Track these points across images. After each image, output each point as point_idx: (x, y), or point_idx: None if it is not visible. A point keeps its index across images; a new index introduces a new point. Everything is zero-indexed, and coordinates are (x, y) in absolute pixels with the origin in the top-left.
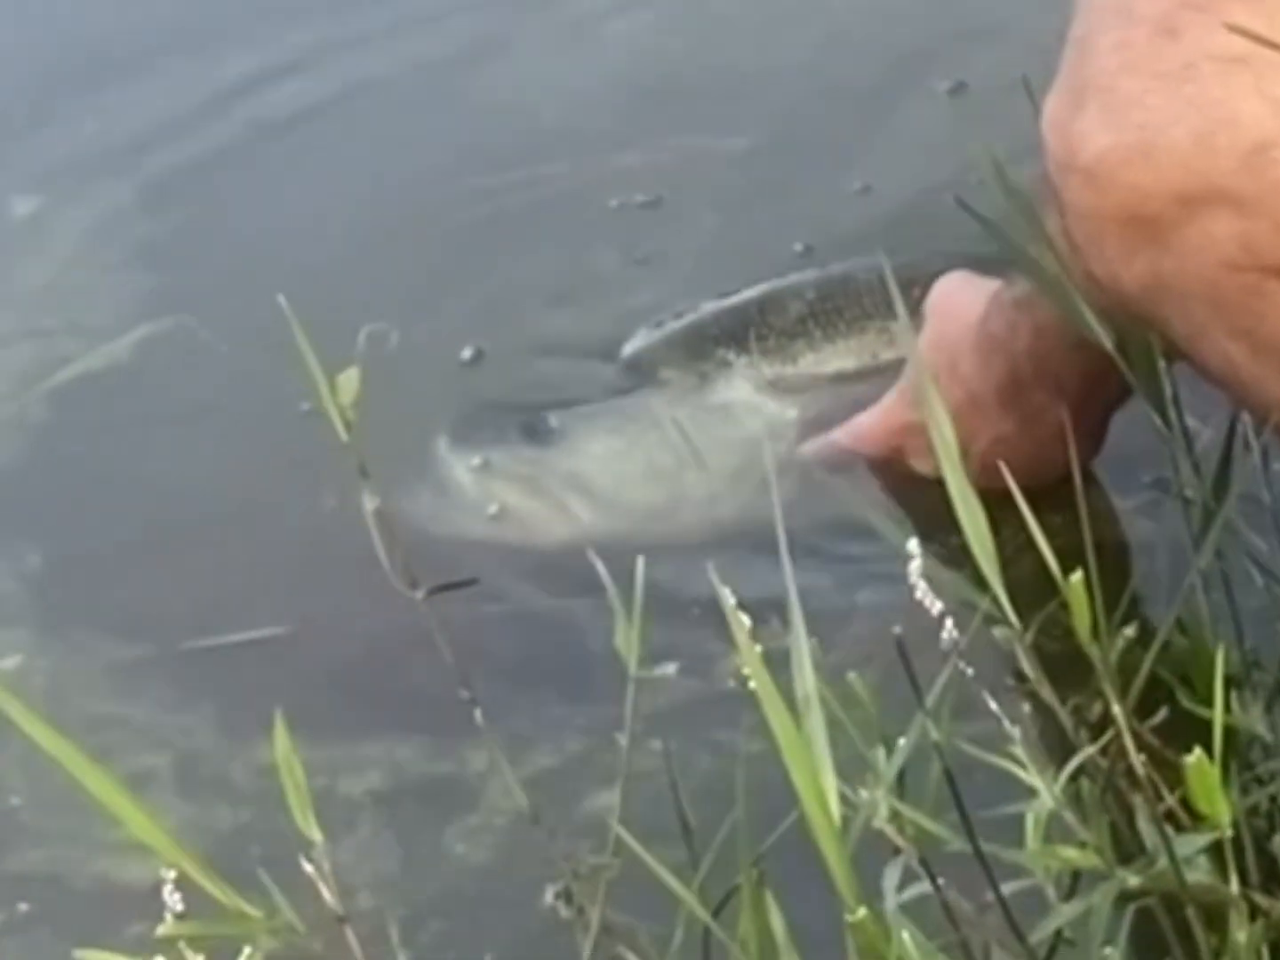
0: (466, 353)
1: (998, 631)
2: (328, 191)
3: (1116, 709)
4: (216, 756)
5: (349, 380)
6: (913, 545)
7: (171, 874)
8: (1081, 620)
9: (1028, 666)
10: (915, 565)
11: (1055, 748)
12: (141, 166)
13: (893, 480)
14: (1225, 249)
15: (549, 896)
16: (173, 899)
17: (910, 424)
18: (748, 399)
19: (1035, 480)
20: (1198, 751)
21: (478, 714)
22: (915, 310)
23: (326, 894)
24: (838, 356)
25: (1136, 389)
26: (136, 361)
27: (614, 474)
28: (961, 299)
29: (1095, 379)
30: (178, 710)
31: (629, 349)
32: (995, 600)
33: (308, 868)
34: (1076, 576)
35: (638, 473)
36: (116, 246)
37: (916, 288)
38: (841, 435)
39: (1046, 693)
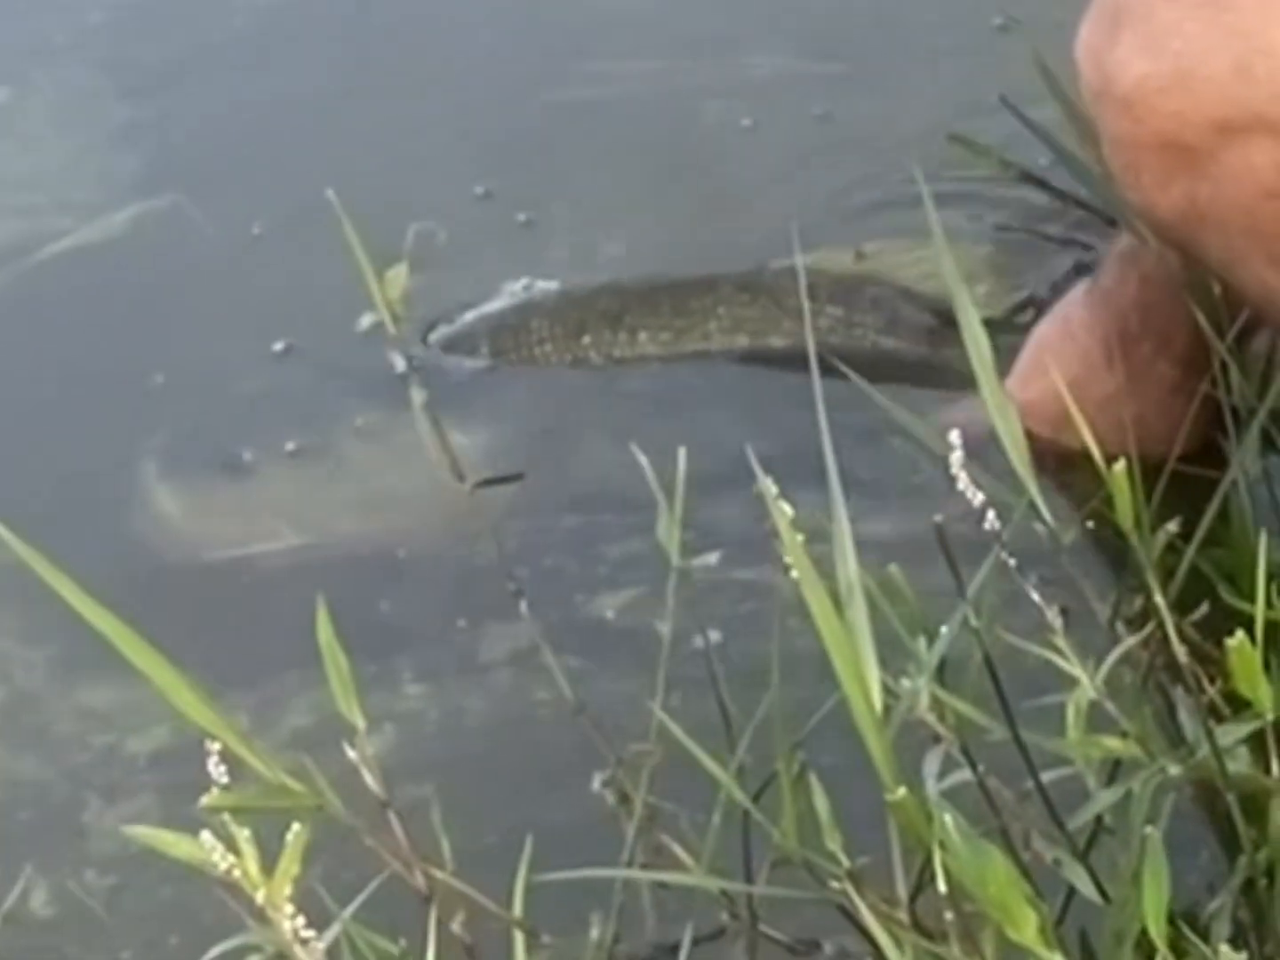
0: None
1: (1040, 527)
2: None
3: (1159, 599)
4: None
5: (398, 276)
6: (954, 437)
7: (216, 746)
8: (1125, 510)
9: (1068, 561)
10: (957, 457)
11: (1096, 638)
12: (111, 52)
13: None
14: (1263, 176)
15: (596, 784)
16: (218, 771)
17: (1030, 398)
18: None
19: (1142, 445)
20: (1240, 634)
21: (523, 605)
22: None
23: (369, 779)
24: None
25: (1189, 299)
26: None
27: (313, 503)
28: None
29: (1201, 332)
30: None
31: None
32: (1032, 501)
33: (351, 754)
34: (1120, 466)
35: (334, 502)
36: (94, 129)
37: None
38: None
39: (1088, 586)
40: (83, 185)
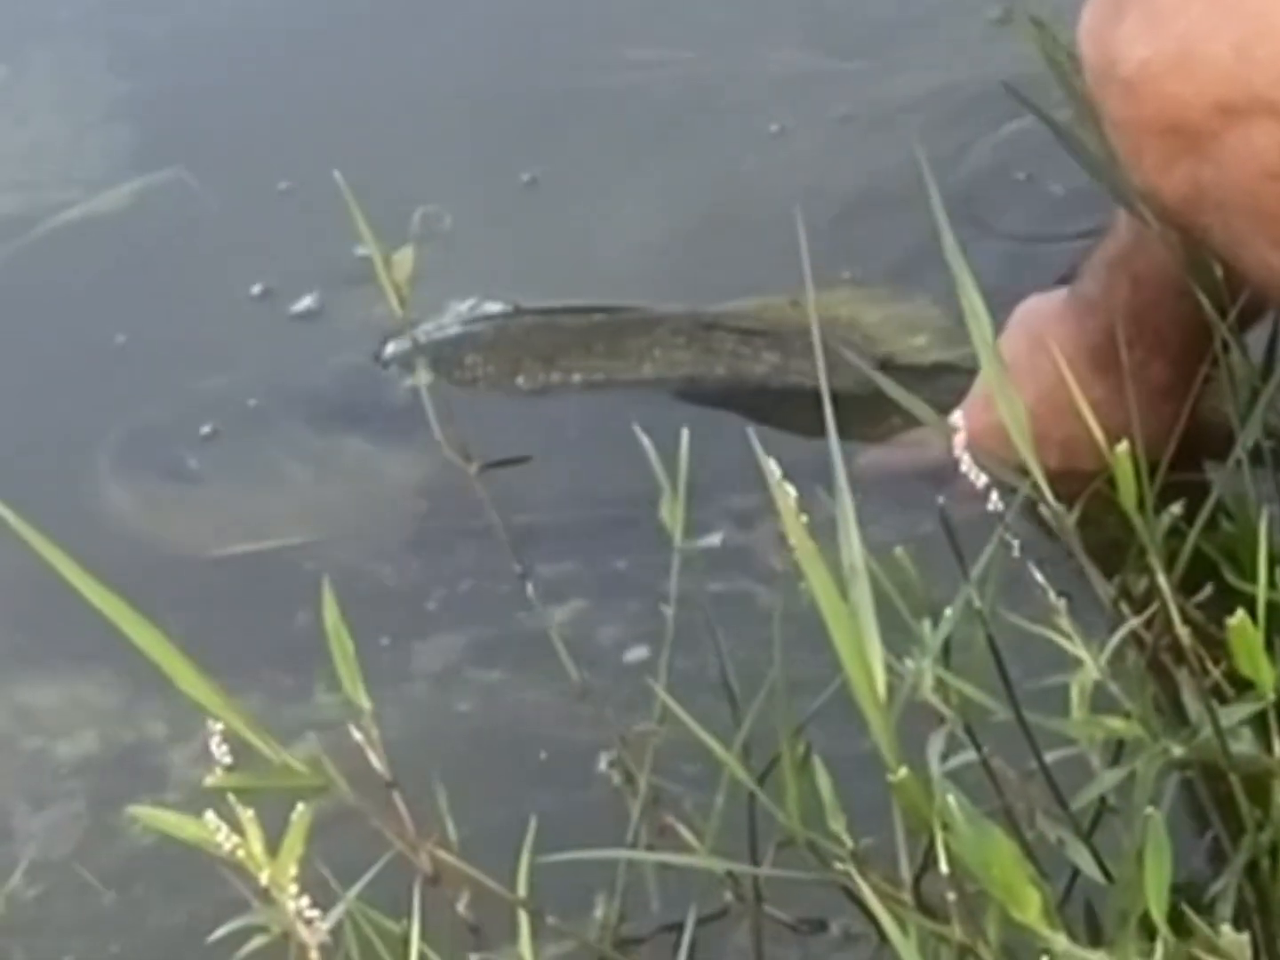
0: None
1: (1044, 509)
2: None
3: (1162, 580)
4: None
5: (404, 258)
6: (956, 418)
7: (219, 727)
8: (1128, 490)
9: (1073, 543)
10: (960, 439)
11: (1099, 625)
12: (110, 26)
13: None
14: (1266, 158)
15: (601, 764)
16: (220, 751)
17: (986, 425)
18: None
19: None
20: (1240, 614)
21: (529, 587)
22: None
23: (374, 760)
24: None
25: (1190, 279)
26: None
27: (256, 504)
28: (1042, 301)
29: (1196, 331)
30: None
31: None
32: (1035, 483)
33: (356, 735)
34: (1123, 447)
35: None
36: (93, 104)
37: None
38: (908, 446)
39: (1090, 569)
40: (84, 160)
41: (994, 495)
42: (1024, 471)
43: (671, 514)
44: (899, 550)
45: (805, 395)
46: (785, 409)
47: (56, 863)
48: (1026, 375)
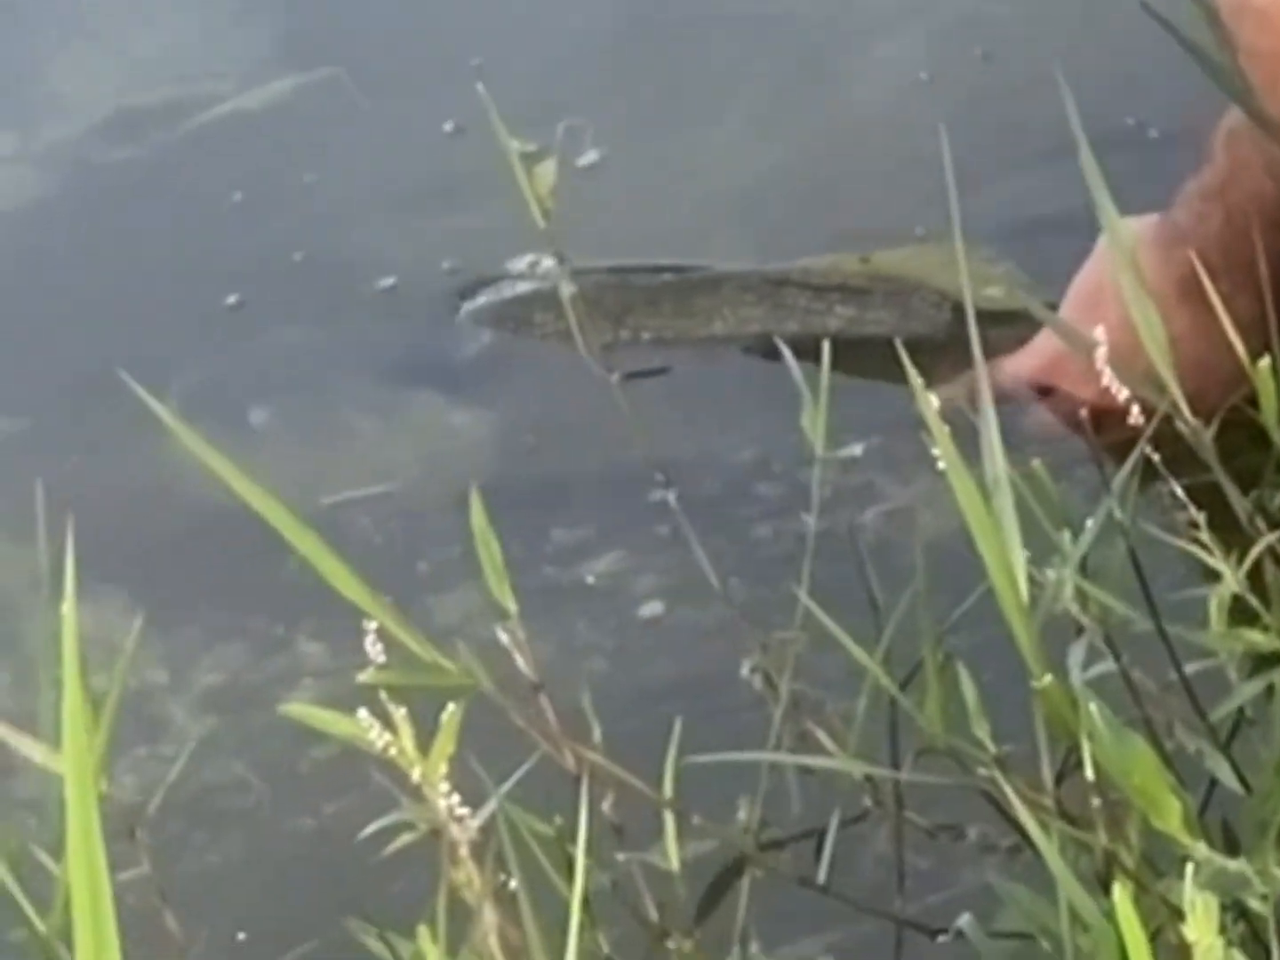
0: None
1: (1181, 425)
2: None
3: None
4: None
5: (546, 170)
6: (1099, 333)
7: (373, 625)
8: (1270, 404)
9: (1210, 458)
10: (1102, 352)
11: (1236, 540)
12: None
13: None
14: None
15: (744, 670)
16: (375, 650)
17: (1060, 355)
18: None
19: (1199, 387)
20: None
21: (670, 496)
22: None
23: (521, 663)
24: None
25: None
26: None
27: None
28: (1129, 225)
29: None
30: None
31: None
32: (1173, 400)
33: (503, 637)
34: (1265, 362)
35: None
36: (222, 5)
37: None
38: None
39: (1227, 483)
40: (222, 57)
41: (1135, 410)
42: (1161, 389)
43: (813, 423)
44: (1037, 463)
45: (881, 345)
46: (862, 358)
47: None
48: (1113, 301)
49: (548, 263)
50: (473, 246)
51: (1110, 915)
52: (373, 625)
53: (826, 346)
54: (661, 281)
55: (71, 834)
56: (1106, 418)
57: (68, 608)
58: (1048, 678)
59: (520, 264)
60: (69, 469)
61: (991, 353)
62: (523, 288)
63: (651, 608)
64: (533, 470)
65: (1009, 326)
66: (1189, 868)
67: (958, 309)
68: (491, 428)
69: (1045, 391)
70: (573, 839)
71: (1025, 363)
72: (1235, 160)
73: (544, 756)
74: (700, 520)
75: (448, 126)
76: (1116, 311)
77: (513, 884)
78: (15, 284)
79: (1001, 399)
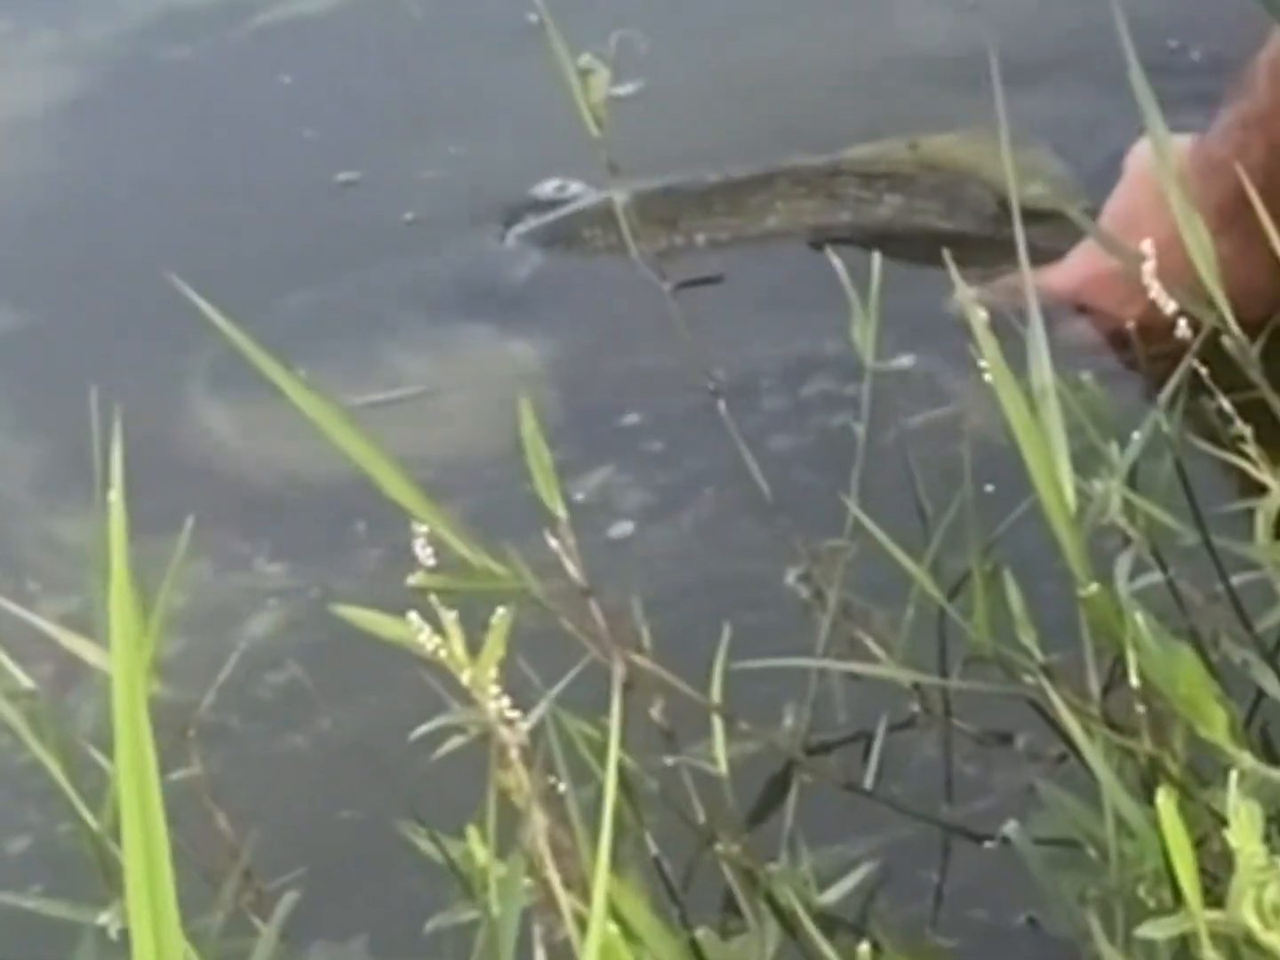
0: None
1: (1227, 341)
2: None
3: None
4: None
5: (600, 80)
6: (1147, 246)
7: (423, 530)
8: None
9: (1255, 373)
10: (1148, 266)
11: None
12: None
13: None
14: None
15: (789, 578)
16: (424, 553)
17: (1098, 273)
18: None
19: (1244, 311)
20: None
21: (721, 404)
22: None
23: (571, 568)
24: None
25: None
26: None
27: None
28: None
29: None
30: None
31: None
32: (1221, 315)
33: (553, 543)
34: None
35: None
36: None
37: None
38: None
39: (1272, 396)
40: None
41: (1182, 324)
42: (1210, 304)
43: (863, 334)
44: (1086, 375)
45: (929, 236)
46: (913, 247)
47: None
48: (1150, 227)
49: (575, 186)
50: (494, 173)
51: (1155, 822)
52: (422, 529)
53: (877, 256)
54: (711, 184)
55: (120, 729)
56: (1146, 337)
57: (115, 496)
58: (1094, 586)
59: (547, 188)
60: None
61: (1033, 251)
62: (568, 208)
63: (695, 514)
64: (594, 386)
65: (1051, 225)
66: (1233, 776)
67: (1004, 204)
68: (551, 350)
69: (1082, 310)
70: (620, 743)
71: (1062, 280)
72: (1278, 91)
73: (593, 662)
74: (751, 426)
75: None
76: (1155, 232)
77: (561, 787)
78: (42, 185)
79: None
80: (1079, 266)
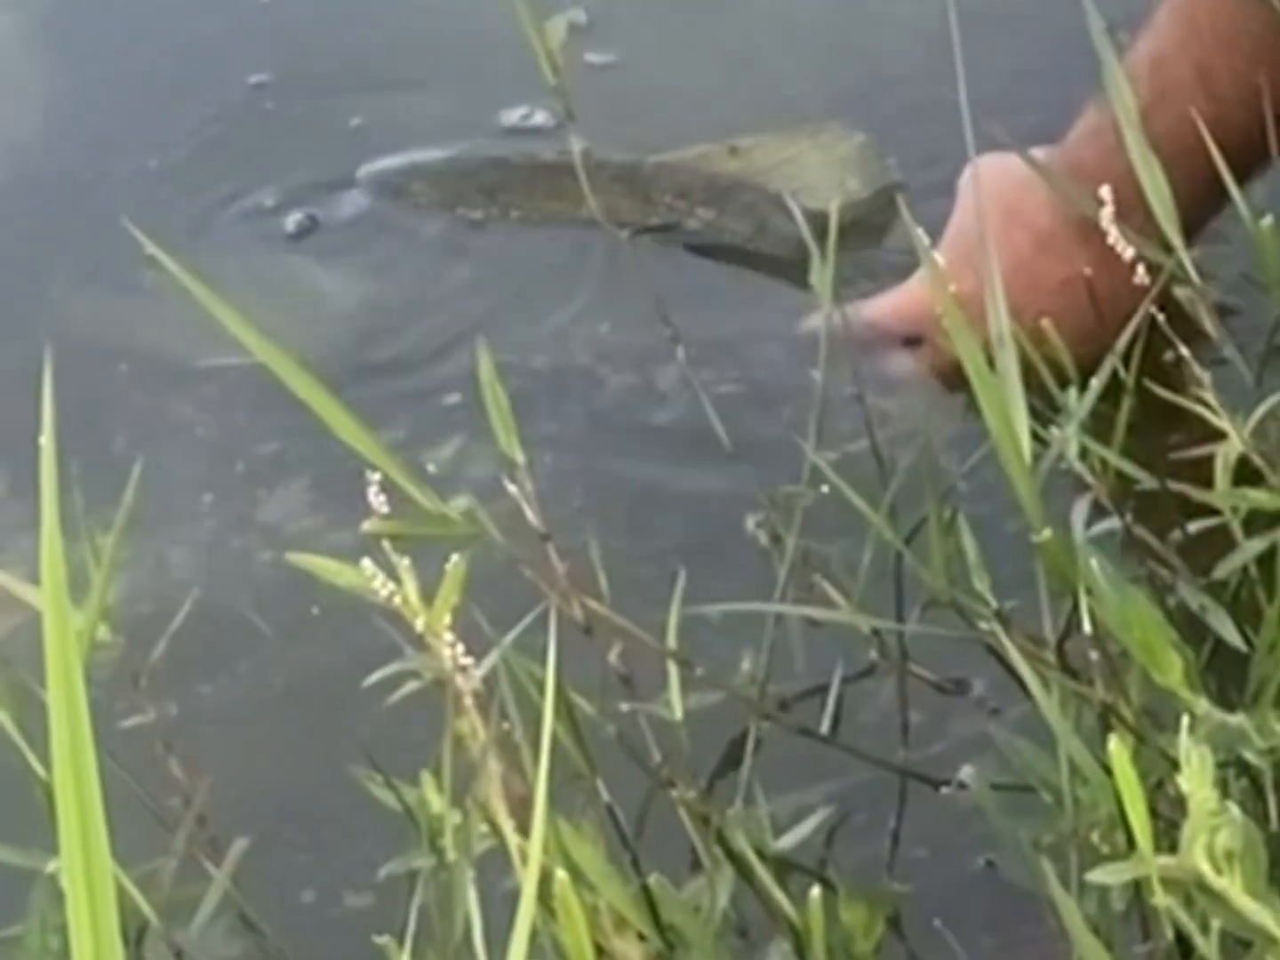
0: None
1: (1180, 290)
2: None
3: None
4: None
5: (556, 28)
6: (1105, 192)
7: (376, 476)
8: (1274, 265)
9: (1209, 322)
10: (1107, 212)
11: (1242, 402)
12: None
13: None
14: None
15: (749, 525)
16: (378, 500)
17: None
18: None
19: (1109, 330)
20: None
21: (679, 351)
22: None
23: (529, 513)
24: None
25: None
26: None
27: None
28: (1003, 167)
29: (1205, 186)
30: None
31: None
32: (1179, 261)
33: (511, 488)
34: (1267, 221)
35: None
36: None
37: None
38: (866, 313)
39: (1230, 347)
40: None
41: (1140, 270)
42: (1167, 249)
43: (821, 277)
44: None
45: (737, 253)
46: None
47: None
48: (999, 247)
49: (540, 116)
50: (472, 95)
51: (1108, 768)
52: (375, 476)
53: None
54: (541, 163)
55: (51, 669)
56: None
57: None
58: (1047, 531)
59: (513, 116)
60: None
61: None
62: (419, 156)
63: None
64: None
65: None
66: (1184, 721)
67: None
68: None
69: (913, 342)
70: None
71: (893, 310)
72: (1159, 84)
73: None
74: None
75: None
76: (1007, 256)
77: (516, 734)
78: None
79: (862, 347)
80: (911, 294)
